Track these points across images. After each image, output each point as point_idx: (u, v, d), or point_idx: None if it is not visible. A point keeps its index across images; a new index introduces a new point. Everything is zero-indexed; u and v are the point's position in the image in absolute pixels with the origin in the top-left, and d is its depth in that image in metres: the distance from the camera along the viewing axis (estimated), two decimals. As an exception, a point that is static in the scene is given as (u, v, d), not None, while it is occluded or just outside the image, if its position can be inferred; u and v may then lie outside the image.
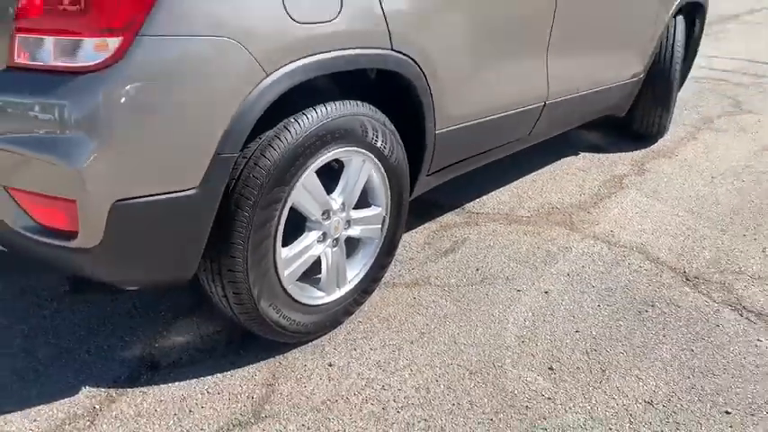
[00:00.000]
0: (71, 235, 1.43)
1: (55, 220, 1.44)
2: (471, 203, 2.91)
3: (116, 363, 1.86)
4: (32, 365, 1.83)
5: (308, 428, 1.65)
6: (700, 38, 3.94)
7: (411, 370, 1.87)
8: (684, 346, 2.02)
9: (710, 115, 4.34)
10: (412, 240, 2.57)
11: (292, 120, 1.64)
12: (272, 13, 1.50)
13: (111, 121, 1.35)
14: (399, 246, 2.27)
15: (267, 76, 1.51)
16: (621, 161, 3.49)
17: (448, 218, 2.78)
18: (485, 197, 2.98)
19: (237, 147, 1.52)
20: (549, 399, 1.79)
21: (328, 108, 1.71)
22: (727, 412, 1.77)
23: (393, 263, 2.29)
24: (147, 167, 1.42)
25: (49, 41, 1.36)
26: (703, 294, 2.30)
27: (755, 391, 1.85)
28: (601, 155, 3.56)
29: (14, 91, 1.39)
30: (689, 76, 4.94)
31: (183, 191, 1.47)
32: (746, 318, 2.18)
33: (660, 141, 3.77)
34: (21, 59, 1.38)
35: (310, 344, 1.96)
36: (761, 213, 2.94)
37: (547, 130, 2.84)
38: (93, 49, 1.34)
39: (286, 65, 1.54)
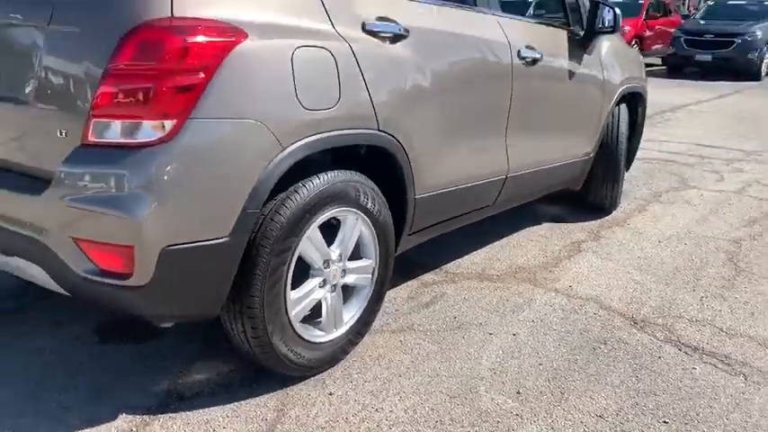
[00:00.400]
0: (126, 276, 1.79)
1: (113, 263, 1.80)
2: (448, 265, 3.30)
3: (147, 395, 2.16)
4: (77, 397, 2.12)
5: (315, 442, 1.96)
6: (643, 122, 4.50)
7: (400, 396, 2.20)
8: (631, 374, 2.38)
9: (659, 190, 4.85)
10: (397, 295, 2.93)
11: (300, 184, 2.05)
12: (288, 101, 1.94)
13: (163, 185, 1.74)
14: (386, 299, 2.63)
15: (283, 149, 1.93)
16: (579, 229, 3.93)
17: (428, 277, 3.16)
18: (459, 260, 3.38)
19: (259, 204, 1.91)
20: (517, 415, 2.12)
21: (329, 176, 2.13)
22: (666, 422, 2.11)
23: (381, 313, 2.64)
24: (190, 220, 1.80)
25: (117, 124, 1.76)
26: (648, 334, 2.68)
27: (689, 406, 2.20)
28: (561, 224, 4.01)
29: (87, 162, 1.78)
30: (641, 158, 5.53)
31: (217, 239, 1.85)
32: (684, 351, 2.56)
33: (614, 213, 4.24)
34: (93, 138, 1.78)
35: (312, 378, 2.28)
36: (700, 270, 3.37)
37: (511, 199, 3.29)
38: (151, 129, 1.75)
39: (297, 141, 1.96)
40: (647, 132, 6.89)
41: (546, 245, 3.66)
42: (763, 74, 13.22)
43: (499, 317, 2.78)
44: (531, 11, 4.30)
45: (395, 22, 2.32)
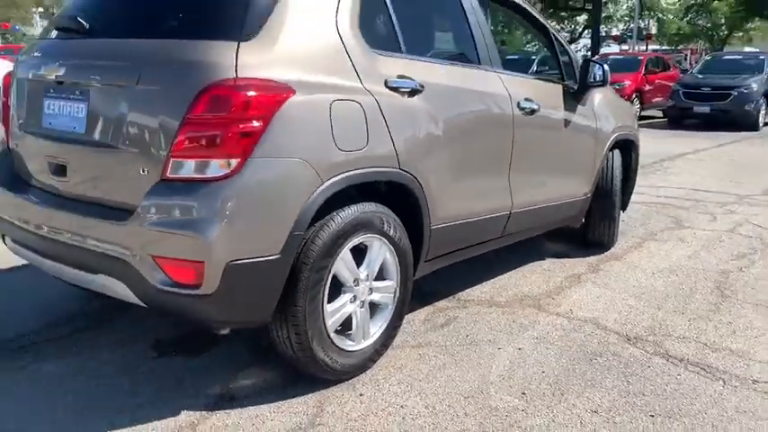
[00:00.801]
0: (196, 286, 2.18)
1: (186, 276, 2.19)
2: (459, 293, 3.67)
3: (204, 396, 2.51)
4: (144, 399, 2.48)
5: (351, 431, 2.30)
6: (636, 166, 4.90)
7: (421, 397, 2.54)
8: (623, 379, 2.72)
9: (655, 230, 5.22)
10: (415, 318, 3.29)
11: (335, 213, 2.45)
12: (327, 144, 2.36)
13: (228, 211, 2.15)
14: (405, 322, 3.00)
15: (322, 183, 2.34)
16: (580, 263, 4.29)
17: (442, 303, 3.52)
18: (470, 289, 3.74)
19: (303, 228, 2.31)
20: (523, 411, 2.46)
21: (358, 207, 2.53)
22: (652, 416, 2.44)
23: (401, 332, 3.00)
24: (249, 240, 2.20)
25: (191, 163, 2.18)
26: (639, 348, 3.02)
27: (673, 404, 2.53)
28: (563, 259, 4.37)
29: (166, 194, 2.20)
30: (639, 201, 5.92)
31: (270, 256, 2.24)
32: (671, 362, 2.89)
33: (612, 249, 4.60)
34: (171, 174, 2.20)
35: (344, 383, 2.63)
36: (689, 297, 3.71)
37: (516, 232, 3.67)
38: (219, 167, 2.17)
39: (334, 176, 2.38)
40: (647, 179, 7.34)
41: (549, 276, 4.02)
42: (761, 124, 13.69)
43: (506, 335, 3.13)
44: (532, 68, 4.77)
45: (412, 79, 2.77)
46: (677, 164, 8.87)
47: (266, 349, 2.76)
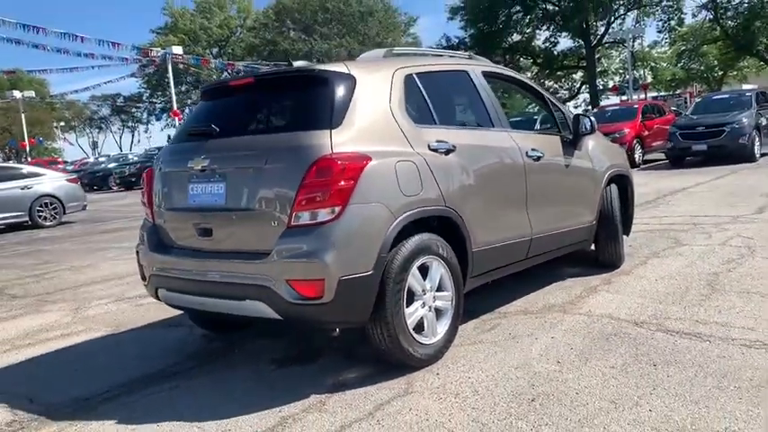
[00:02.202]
0: (319, 298, 3.13)
1: (311, 291, 3.14)
2: (498, 308, 4.57)
3: (323, 386, 3.42)
4: (278, 392, 3.39)
5: (435, 396, 3.19)
6: (633, 196, 5.84)
7: (482, 370, 3.43)
8: (632, 347, 3.58)
9: (657, 250, 6.11)
10: (466, 327, 4.19)
11: (405, 241, 3.42)
12: (395, 191, 3.35)
13: (337, 243, 3.13)
14: (458, 330, 3.90)
15: (395, 219, 3.32)
16: (594, 279, 5.19)
17: (485, 315, 4.43)
18: (506, 305, 4.64)
19: (386, 251, 3.28)
20: (559, 371, 3.34)
21: (420, 236, 3.50)
22: (654, 365, 3.31)
23: (457, 336, 3.89)
24: (352, 261, 3.17)
25: (307, 213, 3.18)
26: (644, 328, 3.89)
27: (670, 357, 3.39)
28: (580, 277, 5.27)
29: (293, 236, 3.19)
30: (644, 230, 6.84)
31: (367, 272, 3.20)
32: (669, 334, 3.76)
33: (621, 267, 5.49)
34: (294, 223, 3.20)
35: (422, 369, 3.52)
36: (685, 293, 4.59)
37: (538, 254, 4.61)
38: (327, 214, 3.17)
39: (402, 214, 3.36)
40: (651, 211, 8.27)
41: (570, 290, 4.92)
42: (757, 155, 14.63)
43: (541, 330, 4.03)
44: (536, 125, 5.82)
45: (446, 142, 3.79)
46: (678, 197, 9.79)
47: (359, 356, 3.67)
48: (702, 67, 45.13)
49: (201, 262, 3.54)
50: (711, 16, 36.88)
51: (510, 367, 3.45)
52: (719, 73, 43.84)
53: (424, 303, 3.55)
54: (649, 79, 44.55)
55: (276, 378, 3.63)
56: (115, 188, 30.69)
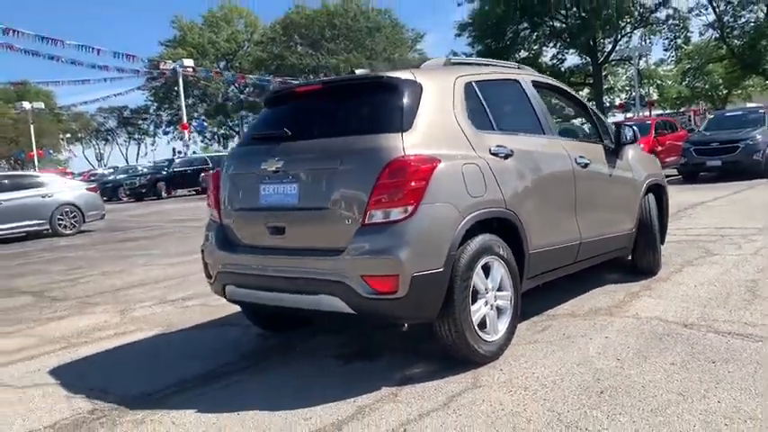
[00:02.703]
0: (393, 293, 3.26)
1: (385, 287, 3.27)
2: (547, 311, 4.69)
3: (393, 380, 3.53)
4: (350, 385, 3.51)
5: (504, 389, 3.31)
6: (668, 205, 5.98)
7: (544, 367, 3.55)
8: (688, 347, 3.70)
9: (690, 259, 6.24)
10: (520, 328, 4.30)
11: (470, 240, 3.56)
12: (462, 192, 3.49)
13: (410, 240, 3.27)
14: (516, 331, 4.02)
15: (463, 219, 3.46)
16: (634, 285, 5.31)
17: (535, 318, 4.55)
18: (553, 308, 4.76)
19: (455, 249, 3.41)
20: (620, 367, 3.46)
21: (483, 237, 3.64)
22: (713, 362, 3.43)
23: (514, 336, 4.01)
24: (424, 258, 3.30)
25: (381, 212, 3.32)
26: (695, 330, 4.01)
27: (727, 355, 3.50)
28: (620, 284, 5.39)
29: (368, 233, 3.33)
30: (673, 240, 6.96)
31: (437, 269, 3.34)
32: (721, 335, 3.88)
33: (658, 274, 5.62)
34: (368, 221, 3.34)
35: (485, 365, 3.64)
36: (727, 298, 4.71)
37: (584, 259, 4.74)
38: (400, 213, 3.31)
39: (469, 214, 3.50)
40: (675, 223, 8.41)
41: (613, 295, 5.04)
42: (770, 171, 14.78)
43: (593, 331, 4.15)
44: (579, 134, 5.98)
45: (505, 147, 3.94)
46: (698, 210, 9.93)
47: (421, 352, 3.80)
48: (707, 86, 45.51)
49: (274, 259, 3.68)
50: (718, 35, 37.20)
51: (572, 364, 3.57)
52: (724, 91, 44.16)
53: (486, 302, 3.68)
54: (655, 97, 44.89)
55: (344, 373, 3.76)
56: (125, 199, 30.88)
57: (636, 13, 38.46)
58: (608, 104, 42.93)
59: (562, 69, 42.06)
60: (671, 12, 38.89)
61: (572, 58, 41.88)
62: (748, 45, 36.06)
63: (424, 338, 3.87)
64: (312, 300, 3.53)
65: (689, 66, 43.63)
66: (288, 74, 47.25)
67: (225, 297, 4.07)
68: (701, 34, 39.28)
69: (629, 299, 4.90)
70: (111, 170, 45.39)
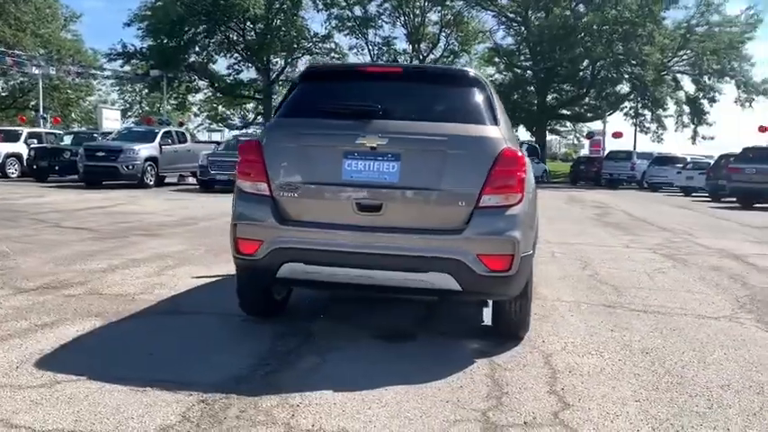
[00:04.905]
0: (506, 271, 3.57)
1: (500, 265, 3.55)
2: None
3: (464, 355, 3.79)
4: (438, 362, 3.66)
5: (577, 352, 3.89)
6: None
7: (568, 333, 4.23)
8: (732, 342, 4.72)
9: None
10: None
11: (528, 229, 4.07)
12: (533, 184, 3.99)
13: (521, 224, 3.63)
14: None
15: (536, 209, 3.96)
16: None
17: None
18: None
19: (537, 236, 3.89)
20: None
21: (528, 226, 4.19)
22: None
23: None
24: (527, 241, 3.69)
25: (494, 197, 3.60)
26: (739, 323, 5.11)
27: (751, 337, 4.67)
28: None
29: (484, 216, 3.57)
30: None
31: (531, 251, 3.77)
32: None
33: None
34: (482, 204, 3.59)
35: (525, 340, 4.15)
36: None
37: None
38: (513, 199, 3.61)
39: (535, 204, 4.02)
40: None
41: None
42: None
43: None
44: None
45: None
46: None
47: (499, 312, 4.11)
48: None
49: (369, 236, 3.60)
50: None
51: (631, 349, 4.33)
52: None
53: (527, 284, 4.21)
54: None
55: (413, 351, 3.85)
56: None
57: (307, 42, 41.64)
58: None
59: (234, 80, 42.87)
60: (333, 46, 43.19)
61: (249, 72, 43.01)
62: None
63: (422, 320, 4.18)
64: (418, 277, 3.58)
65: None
66: None
67: (271, 276, 3.73)
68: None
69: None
70: None
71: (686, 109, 37.21)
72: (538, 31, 37.96)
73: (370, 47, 43.12)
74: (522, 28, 40.52)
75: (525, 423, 2.86)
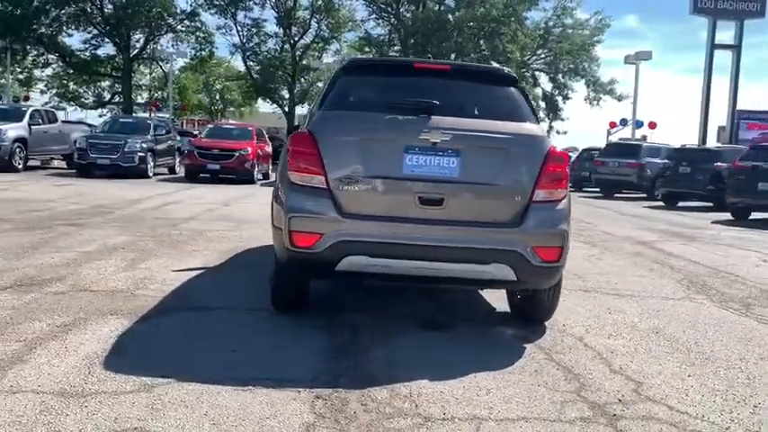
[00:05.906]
0: (557, 262, 3.84)
1: (551, 256, 3.80)
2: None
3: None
4: (464, 346, 3.86)
5: (605, 333, 4.24)
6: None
7: (578, 315, 4.59)
8: (712, 320, 5.24)
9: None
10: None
11: (553, 222, 4.36)
12: (562, 182, 4.29)
13: (567, 219, 3.91)
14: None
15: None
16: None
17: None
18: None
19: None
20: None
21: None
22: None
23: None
24: (570, 234, 3.98)
25: (547, 192, 3.83)
26: (700, 304, 5.61)
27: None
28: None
29: (540, 211, 3.80)
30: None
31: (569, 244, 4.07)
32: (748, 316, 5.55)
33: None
34: (536, 199, 3.81)
35: (547, 324, 4.45)
36: None
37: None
38: (560, 194, 3.89)
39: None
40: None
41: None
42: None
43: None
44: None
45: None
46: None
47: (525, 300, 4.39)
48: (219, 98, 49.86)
49: (434, 229, 3.69)
50: (240, 57, 41.36)
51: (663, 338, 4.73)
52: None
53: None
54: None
55: (463, 339, 4.01)
56: None
57: (173, 20, 39.53)
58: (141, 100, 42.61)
59: (90, 56, 39.73)
60: (199, 24, 41.33)
61: (107, 48, 39.96)
62: (262, 70, 41.15)
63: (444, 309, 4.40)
64: (480, 269, 3.74)
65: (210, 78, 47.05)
66: None
67: (330, 269, 3.71)
68: (231, 53, 42.61)
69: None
70: None
71: (542, 105, 39.97)
72: (412, 23, 38.87)
73: (239, 27, 41.82)
74: (393, 18, 41.26)
75: (619, 400, 3.14)
